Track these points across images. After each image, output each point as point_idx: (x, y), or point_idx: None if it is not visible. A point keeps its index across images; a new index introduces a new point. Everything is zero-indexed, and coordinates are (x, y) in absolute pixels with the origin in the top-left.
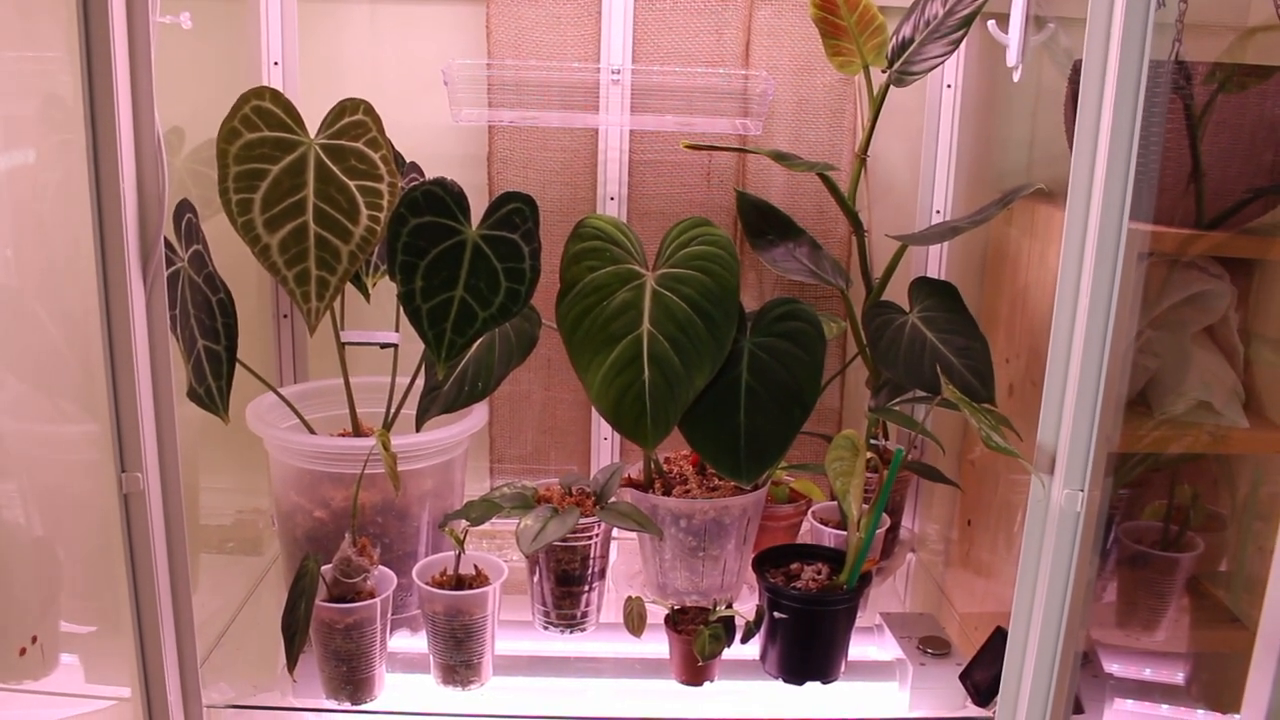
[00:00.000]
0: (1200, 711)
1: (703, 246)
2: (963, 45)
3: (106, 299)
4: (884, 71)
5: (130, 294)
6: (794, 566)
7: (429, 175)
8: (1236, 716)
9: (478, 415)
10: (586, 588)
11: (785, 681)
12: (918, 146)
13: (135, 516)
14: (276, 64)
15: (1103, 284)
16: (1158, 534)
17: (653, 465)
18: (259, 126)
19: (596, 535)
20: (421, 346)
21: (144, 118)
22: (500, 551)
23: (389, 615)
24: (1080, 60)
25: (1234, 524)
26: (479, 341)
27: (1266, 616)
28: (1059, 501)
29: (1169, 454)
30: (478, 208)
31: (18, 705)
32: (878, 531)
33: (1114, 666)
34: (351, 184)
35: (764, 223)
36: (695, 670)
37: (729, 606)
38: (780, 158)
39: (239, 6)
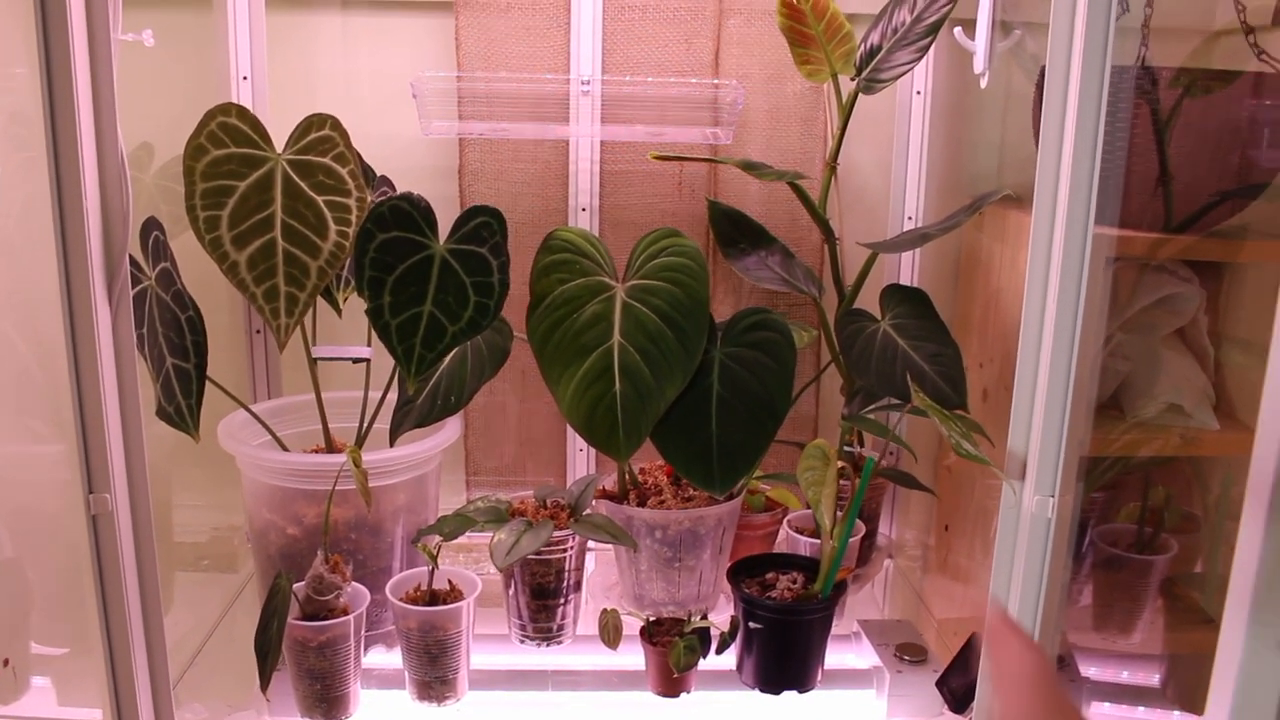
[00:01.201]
0: (1176, 713)
1: (672, 258)
2: (931, 52)
3: (71, 318)
4: (853, 79)
5: (95, 313)
6: (769, 576)
7: (400, 188)
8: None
9: (451, 429)
10: (562, 600)
11: (762, 691)
12: (888, 153)
13: (104, 537)
14: (246, 78)
15: (1070, 289)
16: (1132, 537)
17: (627, 476)
18: (225, 143)
19: (571, 548)
20: (394, 360)
21: (107, 135)
22: (476, 565)
23: (363, 632)
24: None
25: (1207, 525)
26: (451, 355)
27: (1228, 615)
28: (1030, 507)
29: (1141, 457)
30: (451, 220)
31: None
32: (853, 539)
33: (1091, 669)
34: (319, 199)
35: (736, 231)
36: (671, 682)
37: (704, 617)
38: (749, 167)
39: (207, 20)
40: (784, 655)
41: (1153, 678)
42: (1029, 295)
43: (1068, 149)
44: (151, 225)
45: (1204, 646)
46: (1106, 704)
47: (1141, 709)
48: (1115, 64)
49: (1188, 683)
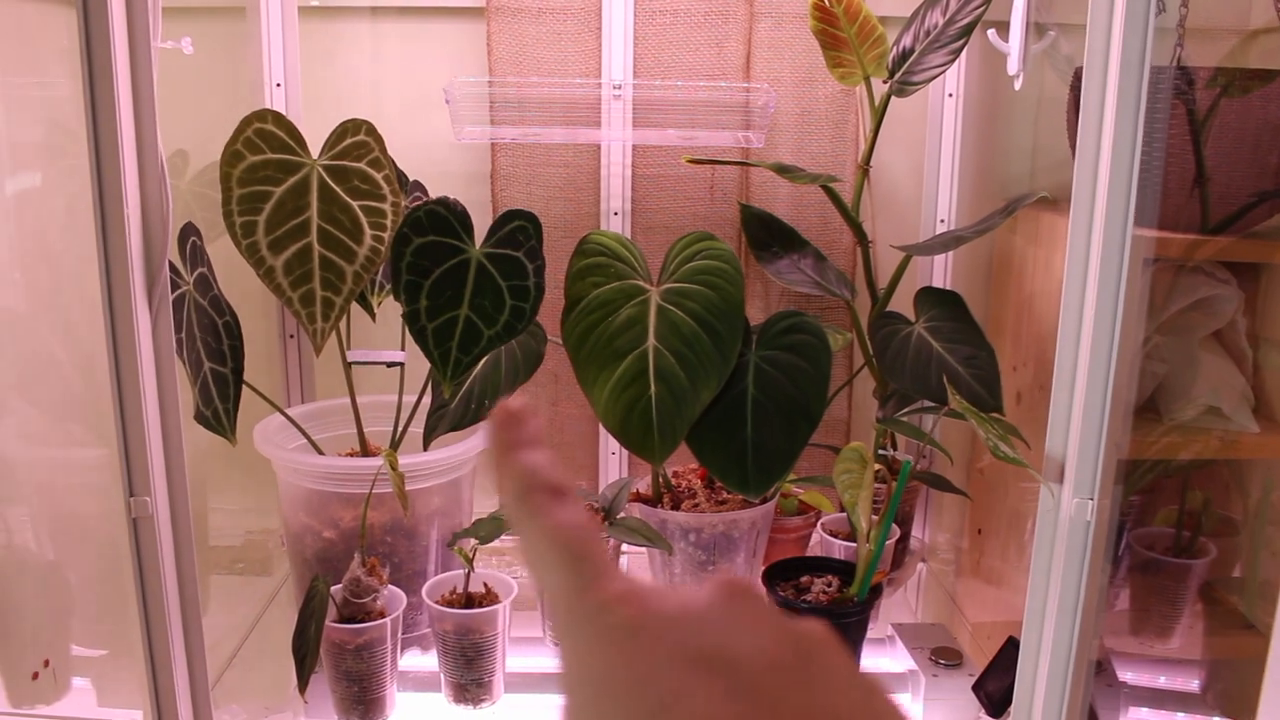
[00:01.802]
0: (1216, 719)
1: (707, 261)
2: (963, 54)
3: (112, 324)
4: (885, 82)
5: (136, 318)
6: (804, 579)
7: (433, 193)
8: None
9: (485, 432)
10: None
11: None
12: (920, 156)
13: (144, 540)
14: (279, 85)
15: (1108, 290)
16: (1170, 540)
17: (661, 480)
18: (261, 149)
19: None
20: (428, 364)
21: (147, 142)
22: (510, 568)
23: (399, 634)
24: (1081, 67)
25: (1246, 529)
26: (485, 359)
27: None
28: (1069, 510)
29: (1179, 460)
30: (482, 225)
31: None
32: (887, 542)
33: (1128, 675)
34: (355, 204)
35: (768, 235)
36: None
37: None
38: (783, 170)
39: (241, 28)
40: None
41: (1192, 683)
42: (1067, 297)
43: (1106, 150)
44: (189, 231)
45: (1245, 652)
46: (1145, 709)
47: (1181, 715)
48: (1152, 64)
49: (1228, 688)
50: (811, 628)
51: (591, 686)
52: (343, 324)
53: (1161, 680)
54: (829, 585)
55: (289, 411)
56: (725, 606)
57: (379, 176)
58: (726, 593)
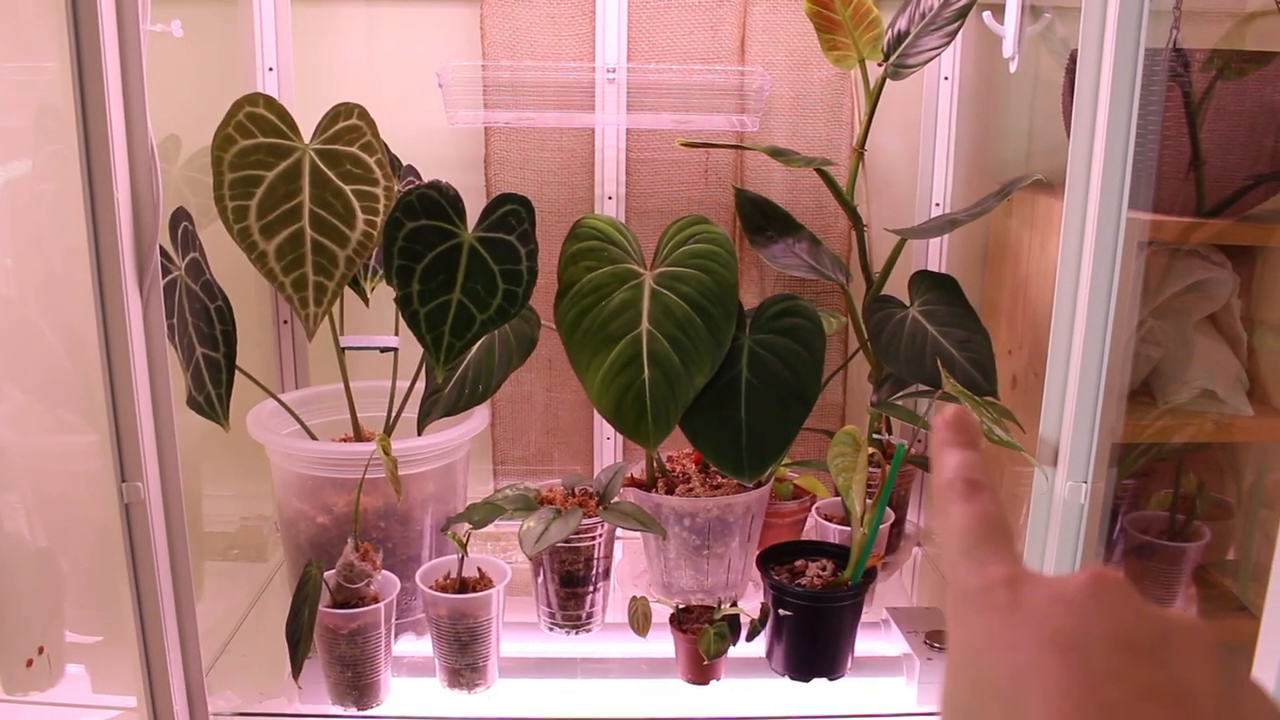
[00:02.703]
0: None
1: (700, 244)
2: (959, 37)
3: (103, 309)
4: (880, 65)
5: (126, 303)
6: (799, 563)
7: (426, 178)
8: None
9: (479, 418)
10: (591, 588)
11: (792, 679)
12: (916, 139)
13: (137, 526)
14: (271, 69)
15: (1102, 274)
16: (1164, 524)
17: (655, 464)
18: (253, 133)
19: (600, 536)
20: (422, 350)
21: (137, 126)
22: (504, 553)
23: (393, 620)
24: (1077, 50)
25: (1240, 512)
26: (479, 344)
27: (1270, 605)
28: (1062, 494)
29: (1174, 443)
30: (476, 209)
31: (26, 716)
32: (882, 526)
33: None
34: (347, 189)
35: (763, 219)
36: (701, 669)
37: (734, 605)
38: (777, 154)
39: (233, 12)
40: (814, 642)
41: None
42: (1061, 280)
43: (1100, 133)
44: (180, 216)
45: (1238, 634)
46: None
47: None
48: (1148, 46)
49: None
50: (1180, 615)
51: (969, 655)
52: (336, 309)
53: None
54: (824, 569)
55: (282, 397)
56: (1092, 593)
57: (371, 161)
58: (1096, 581)
